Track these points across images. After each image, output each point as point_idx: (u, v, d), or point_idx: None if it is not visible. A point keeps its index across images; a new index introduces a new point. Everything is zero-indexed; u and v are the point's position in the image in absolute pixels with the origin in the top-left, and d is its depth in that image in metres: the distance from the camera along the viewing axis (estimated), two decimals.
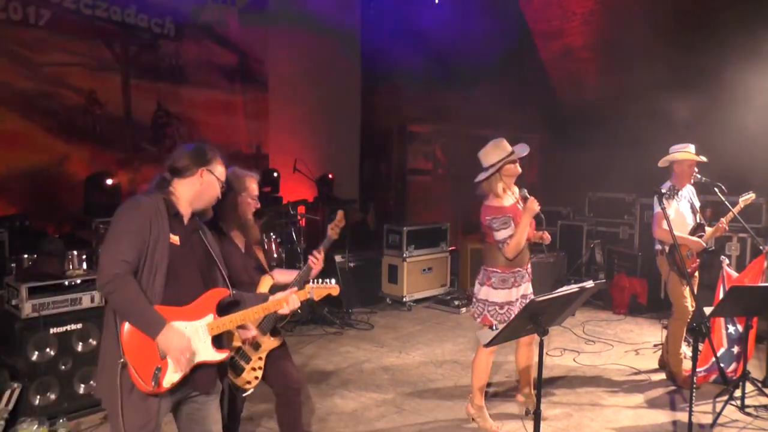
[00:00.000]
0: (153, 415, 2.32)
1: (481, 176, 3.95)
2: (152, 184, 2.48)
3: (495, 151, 3.91)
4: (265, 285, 3.24)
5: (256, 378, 3.14)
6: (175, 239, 2.38)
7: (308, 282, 3.23)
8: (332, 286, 2.86)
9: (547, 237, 4.10)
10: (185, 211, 2.48)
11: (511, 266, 3.95)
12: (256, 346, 3.15)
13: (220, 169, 2.53)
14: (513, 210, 3.92)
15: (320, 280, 2.88)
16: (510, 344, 5.53)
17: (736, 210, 4.70)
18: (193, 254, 2.48)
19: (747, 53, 7.04)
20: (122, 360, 2.25)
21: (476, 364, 4.10)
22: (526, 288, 4.07)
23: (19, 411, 3.84)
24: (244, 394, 3.16)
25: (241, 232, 3.17)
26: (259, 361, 3.16)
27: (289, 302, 2.64)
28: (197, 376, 2.42)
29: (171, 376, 2.32)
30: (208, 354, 2.42)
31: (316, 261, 3.27)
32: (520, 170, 3.96)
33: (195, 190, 2.47)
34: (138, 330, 2.27)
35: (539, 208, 3.86)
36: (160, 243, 2.32)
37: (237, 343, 3.07)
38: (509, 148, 3.92)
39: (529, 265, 4.11)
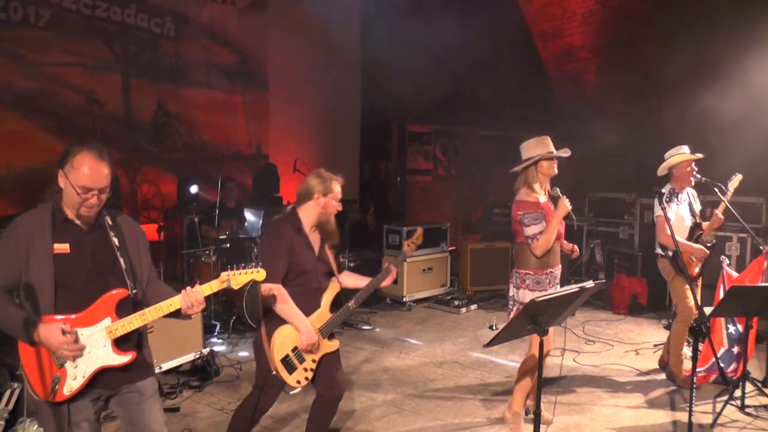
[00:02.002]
0: (64, 423, 2.32)
1: (518, 167, 3.91)
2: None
3: (537, 146, 3.85)
4: (332, 291, 3.27)
5: (306, 378, 3.16)
6: (62, 247, 2.34)
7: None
8: (255, 271, 2.52)
9: (576, 251, 4.06)
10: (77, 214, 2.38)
11: (543, 267, 3.85)
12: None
13: (75, 173, 2.33)
14: (546, 207, 3.85)
15: (243, 265, 2.54)
16: (511, 344, 5.54)
17: (727, 198, 4.68)
18: (89, 258, 2.39)
19: (748, 53, 7.04)
20: (18, 372, 2.30)
21: (525, 367, 3.98)
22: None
23: (19, 411, 3.84)
24: (290, 392, 3.19)
25: (320, 233, 3.25)
26: (312, 363, 3.18)
27: (187, 298, 2.39)
28: (104, 379, 2.38)
29: (71, 383, 2.31)
30: (110, 358, 2.35)
31: (389, 276, 3.32)
32: (556, 171, 3.89)
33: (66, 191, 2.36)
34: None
35: (571, 207, 3.80)
36: (42, 256, 2.30)
37: (295, 342, 3.11)
38: (551, 147, 3.87)
39: (560, 267, 4.00)
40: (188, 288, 2.42)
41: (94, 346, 2.34)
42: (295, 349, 3.12)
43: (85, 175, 2.32)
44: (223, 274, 2.48)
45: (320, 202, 3.19)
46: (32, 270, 2.31)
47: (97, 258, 2.42)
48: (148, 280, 2.56)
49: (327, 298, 3.24)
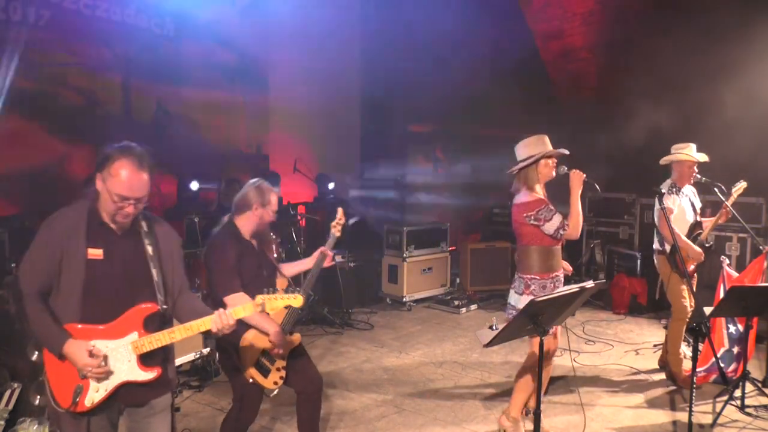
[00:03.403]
0: None
1: (517, 166, 3.77)
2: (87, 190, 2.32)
3: (536, 145, 3.75)
4: (281, 287, 3.30)
5: (281, 378, 3.23)
6: (96, 253, 2.24)
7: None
8: (293, 296, 2.49)
9: (568, 268, 4.01)
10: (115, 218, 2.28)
11: (549, 271, 3.72)
12: None
13: (112, 181, 2.26)
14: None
15: (279, 290, 2.54)
16: (511, 344, 5.54)
17: (729, 201, 4.69)
18: (121, 266, 2.30)
19: (749, 52, 7.03)
20: (41, 378, 2.28)
21: (526, 367, 3.87)
22: None
23: (19, 411, 3.84)
24: (271, 395, 3.26)
25: (257, 240, 3.36)
26: (282, 361, 3.24)
27: (219, 321, 2.34)
28: (125, 393, 2.32)
29: (93, 395, 2.26)
30: (133, 374, 2.29)
31: (326, 259, 3.47)
32: (554, 174, 3.80)
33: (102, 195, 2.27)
34: None
35: (585, 175, 3.74)
36: (74, 259, 2.22)
37: (263, 346, 3.14)
38: (549, 146, 3.78)
39: (563, 271, 3.87)
40: (221, 310, 2.36)
41: (119, 360, 2.27)
42: (264, 352, 3.16)
43: (123, 184, 2.23)
44: (258, 298, 2.42)
45: (258, 213, 3.27)
46: (63, 274, 2.22)
47: (129, 267, 2.32)
48: (179, 292, 2.48)
49: None
